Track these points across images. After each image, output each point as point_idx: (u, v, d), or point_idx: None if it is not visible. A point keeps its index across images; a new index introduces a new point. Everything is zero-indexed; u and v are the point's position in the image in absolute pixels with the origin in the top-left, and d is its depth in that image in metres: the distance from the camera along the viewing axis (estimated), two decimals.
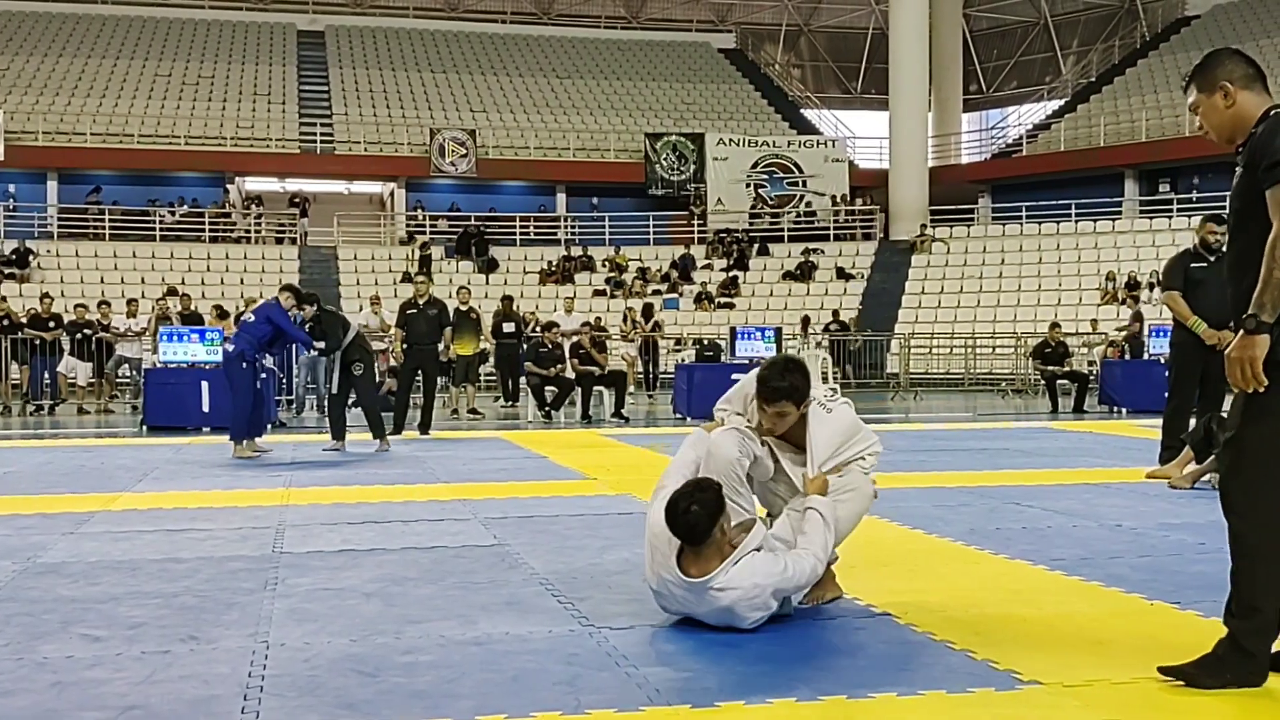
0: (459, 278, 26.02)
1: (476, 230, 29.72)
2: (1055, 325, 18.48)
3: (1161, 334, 16.49)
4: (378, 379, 12.55)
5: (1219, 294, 8.21)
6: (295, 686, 3.34)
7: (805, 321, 24.20)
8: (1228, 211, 3.43)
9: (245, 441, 10.11)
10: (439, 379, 14.00)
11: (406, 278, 27.55)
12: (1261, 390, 3.19)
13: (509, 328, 17.18)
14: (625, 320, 22.40)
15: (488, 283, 27.12)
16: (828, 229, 31.46)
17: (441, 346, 14.18)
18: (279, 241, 30.33)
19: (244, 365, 10.14)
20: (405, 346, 12.74)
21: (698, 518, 3.77)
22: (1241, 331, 3.18)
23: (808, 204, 32.41)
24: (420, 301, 12.78)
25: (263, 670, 3.50)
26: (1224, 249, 8.43)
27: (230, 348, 10.37)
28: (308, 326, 10.78)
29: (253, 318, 10.57)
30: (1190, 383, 8.33)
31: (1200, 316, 8.05)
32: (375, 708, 3.14)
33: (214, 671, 3.50)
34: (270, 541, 5.75)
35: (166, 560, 5.27)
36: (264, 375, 10.68)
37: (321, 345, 10.85)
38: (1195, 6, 37.44)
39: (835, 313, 25.66)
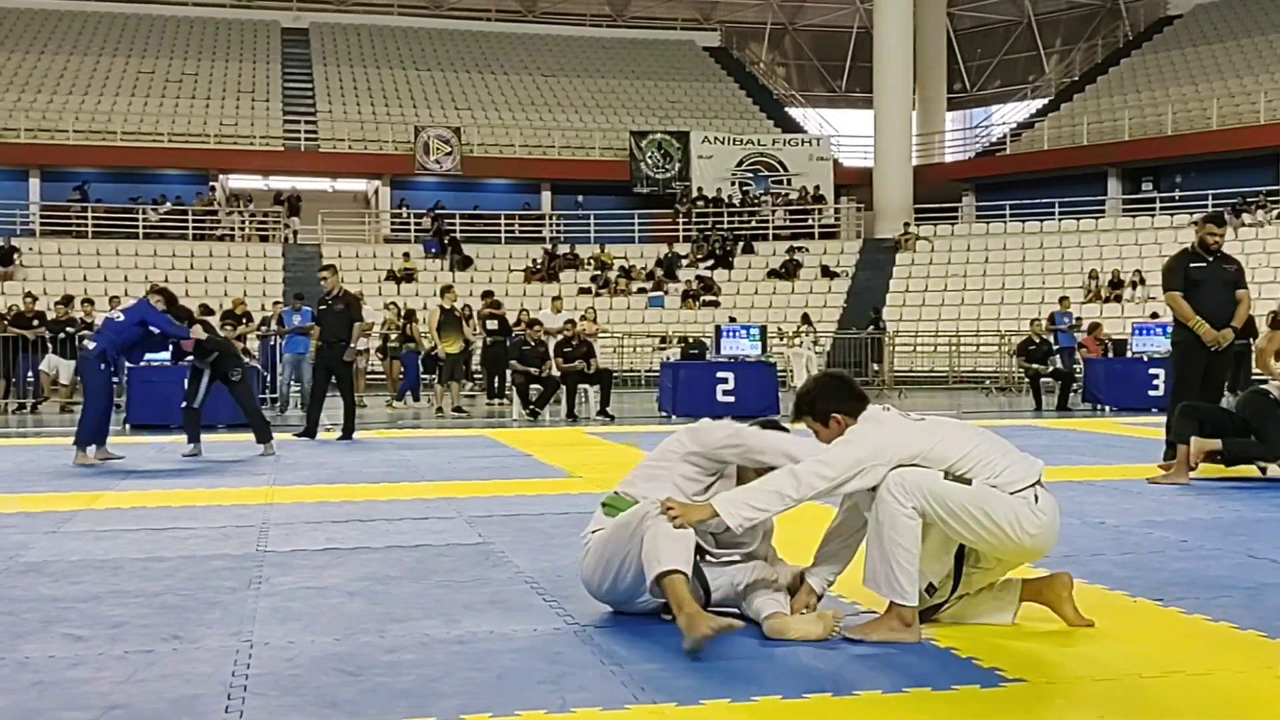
0: (444, 276, 26.00)
1: (437, 222, 29.74)
2: (1036, 320, 18.57)
3: (1144, 332, 16.62)
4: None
5: (1218, 294, 8.37)
6: (278, 686, 3.32)
7: (805, 319, 24.38)
8: None
9: (93, 448, 9.36)
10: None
11: (391, 276, 27.57)
12: None
13: (493, 325, 17.16)
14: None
15: (472, 281, 27.07)
16: (812, 228, 31.51)
17: (429, 345, 13.91)
18: (263, 239, 30.24)
19: (103, 366, 9.50)
20: (318, 345, 12.08)
21: None
22: None
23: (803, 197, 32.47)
24: (330, 298, 11.94)
25: (246, 669, 3.48)
26: (1222, 249, 8.58)
27: (91, 346, 9.59)
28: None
29: (121, 317, 9.77)
30: (1194, 381, 8.39)
31: (1201, 316, 8.16)
32: (359, 707, 3.13)
33: (197, 671, 3.48)
34: (254, 540, 5.73)
35: (149, 559, 5.24)
36: (116, 380, 9.94)
37: (200, 338, 9.94)
38: (1177, 6, 37.62)
39: (876, 309, 25.85)
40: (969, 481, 3.70)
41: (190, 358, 10.22)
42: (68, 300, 17.89)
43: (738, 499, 3.69)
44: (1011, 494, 3.71)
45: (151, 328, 9.65)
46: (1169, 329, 10.36)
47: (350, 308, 11.85)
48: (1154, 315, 19.38)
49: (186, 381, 10.30)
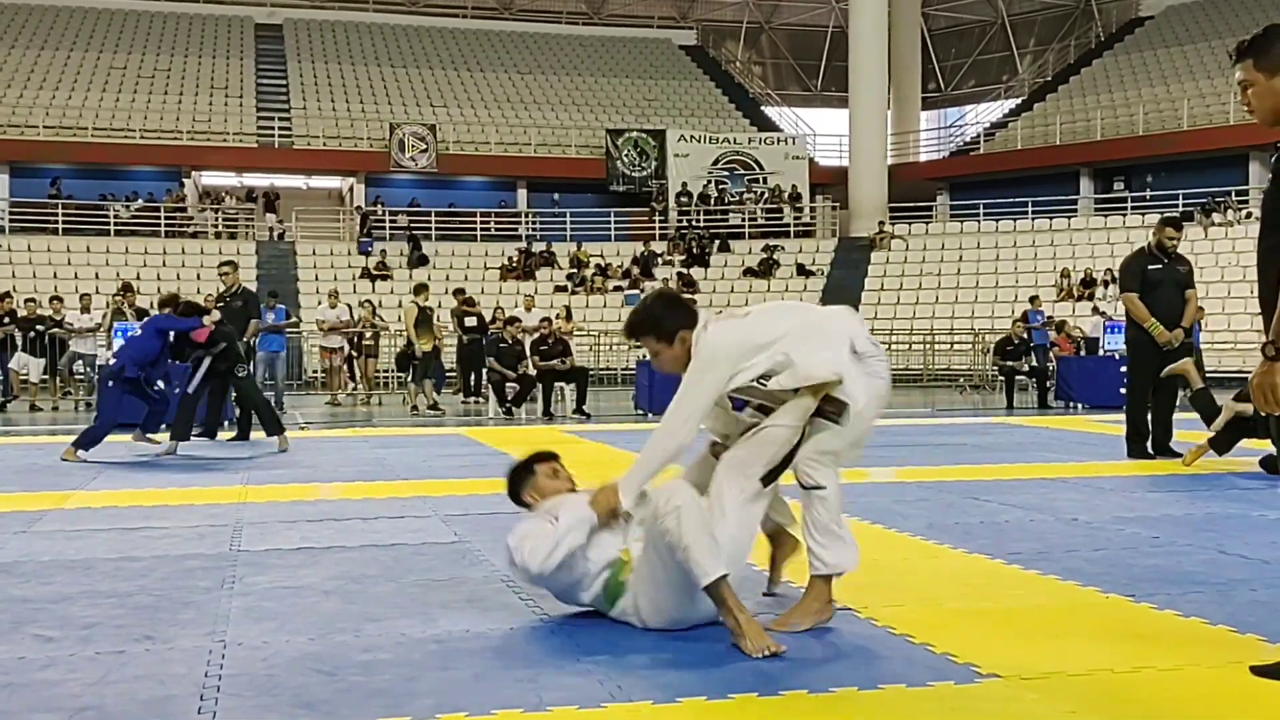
0: (418, 274, 25.92)
1: (367, 221, 29.76)
2: (1018, 321, 18.65)
3: (1116, 330, 16.72)
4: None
5: (1174, 296, 8.54)
6: (253, 686, 3.30)
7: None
8: (1262, 208, 3.39)
9: (83, 451, 9.21)
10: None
11: (365, 273, 27.46)
12: None
13: (471, 322, 17.10)
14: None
15: (447, 279, 27.00)
16: (788, 226, 31.59)
17: (404, 342, 13.67)
18: (232, 237, 30.08)
19: (110, 384, 9.44)
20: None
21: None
22: (1263, 359, 3.20)
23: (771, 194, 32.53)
24: (229, 295, 11.60)
25: (220, 670, 3.46)
26: (1178, 251, 8.79)
27: (113, 362, 9.54)
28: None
29: (139, 331, 9.70)
30: (1147, 379, 8.59)
31: (1156, 317, 8.37)
32: (334, 707, 3.11)
33: (170, 671, 3.45)
34: (227, 539, 5.69)
35: (121, 559, 5.20)
36: (160, 387, 9.81)
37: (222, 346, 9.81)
38: (1149, 7, 37.89)
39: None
40: (840, 402, 3.77)
41: (199, 351, 10.05)
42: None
43: (624, 480, 3.76)
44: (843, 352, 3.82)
45: (169, 331, 9.63)
46: (1122, 328, 10.57)
47: (248, 305, 11.71)
48: (1094, 309, 19.64)
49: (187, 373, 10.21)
